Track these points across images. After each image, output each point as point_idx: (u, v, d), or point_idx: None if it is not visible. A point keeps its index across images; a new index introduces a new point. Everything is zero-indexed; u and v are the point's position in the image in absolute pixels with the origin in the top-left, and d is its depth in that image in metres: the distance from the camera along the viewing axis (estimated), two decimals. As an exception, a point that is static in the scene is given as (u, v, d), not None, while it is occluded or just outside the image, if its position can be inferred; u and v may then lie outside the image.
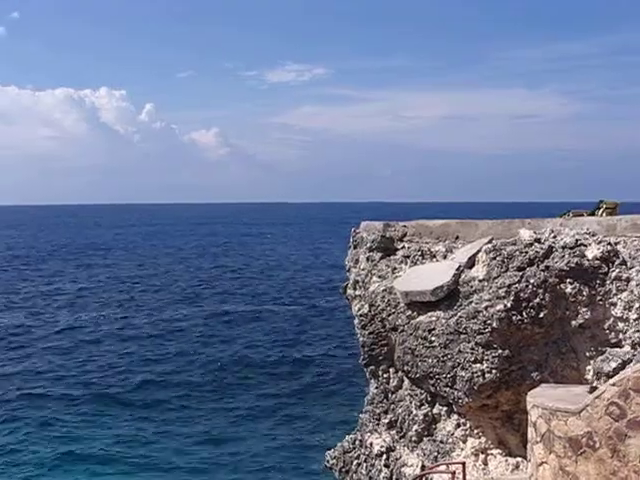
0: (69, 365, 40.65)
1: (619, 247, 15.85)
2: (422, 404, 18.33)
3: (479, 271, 16.72)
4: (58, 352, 43.53)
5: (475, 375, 16.12)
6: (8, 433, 27.85)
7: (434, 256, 18.58)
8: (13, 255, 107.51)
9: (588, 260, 15.79)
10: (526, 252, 16.39)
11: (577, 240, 16.15)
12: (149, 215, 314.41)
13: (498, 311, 15.92)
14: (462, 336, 16.36)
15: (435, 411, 18.04)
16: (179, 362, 40.70)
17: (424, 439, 18.29)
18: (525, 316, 15.91)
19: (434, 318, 17.01)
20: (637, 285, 15.30)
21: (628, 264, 15.54)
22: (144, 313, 55.96)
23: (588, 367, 15.73)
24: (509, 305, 15.92)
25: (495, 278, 16.35)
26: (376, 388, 20.00)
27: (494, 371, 15.94)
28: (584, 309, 15.71)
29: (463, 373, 16.29)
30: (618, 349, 15.42)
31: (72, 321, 57.04)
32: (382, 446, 19.73)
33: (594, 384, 14.57)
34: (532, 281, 16.02)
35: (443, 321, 16.76)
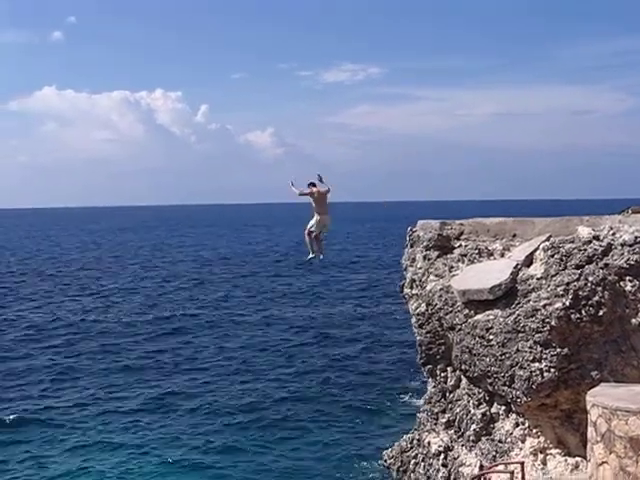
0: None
1: (680, 244, 15.61)
2: (480, 403, 18.24)
3: (537, 269, 16.59)
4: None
5: (534, 374, 15.98)
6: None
7: (491, 254, 18.46)
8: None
9: (648, 257, 15.58)
10: (585, 250, 16.22)
11: (636, 237, 15.94)
12: (215, 216, 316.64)
13: (557, 309, 15.78)
14: (520, 335, 16.23)
15: (493, 410, 17.94)
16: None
17: (482, 438, 18.20)
18: (584, 314, 15.75)
19: (492, 317, 16.91)
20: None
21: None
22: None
23: (649, 366, 15.53)
24: (568, 303, 15.76)
25: (553, 276, 16.20)
26: (434, 387, 19.96)
27: (553, 370, 15.79)
28: (645, 307, 15.51)
29: (521, 372, 16.16)
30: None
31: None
32: (440, 445, 19.68)
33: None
34: (591, 279, 15.85)
35: (501, 320, 16.65)
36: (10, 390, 34.26)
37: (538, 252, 16.75)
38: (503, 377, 16.58)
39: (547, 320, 15.82)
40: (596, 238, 16.37)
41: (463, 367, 17.84)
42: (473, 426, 18.40)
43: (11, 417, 29.69)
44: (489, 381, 17.08)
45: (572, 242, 16.45)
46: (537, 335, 15.94)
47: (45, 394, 33.78)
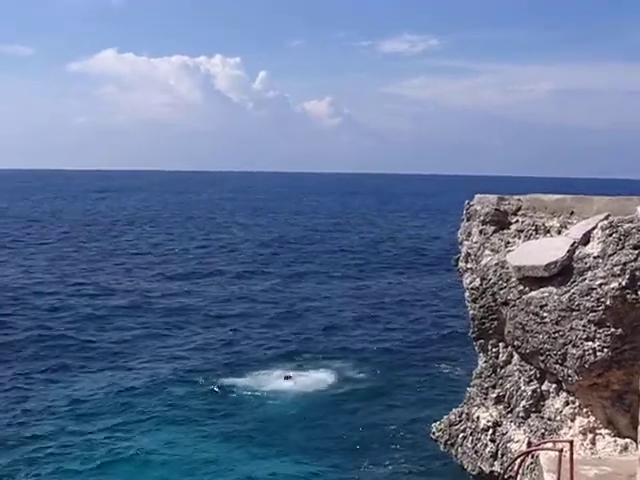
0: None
1: None
2: (531, 380, 18.15)
3: (594, 248, 16.37)
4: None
5: (586, 353, 15.83)
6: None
7: (548, 231, 18.28)
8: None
9: None
10: (644, 230, 15.96)
11: (698, 219, 15.64)
12: (273, 183, 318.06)
13: (612, 289, 15.58)
14: (574, 313, 16.08)
15: (544, 388, 17.84)
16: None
17: (531, 415, 18.13)
18: (640, 295, 15.53)
19: (546, 294, 16.77)
20: None
21: None
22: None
23: None
24: (624, 283, 15.54)
25: (610, 255, 15.98)
26: (485, 362, 19.89)
27: (606, 350, 15.62)
28: (703, 290, 15.24)
29: (574, 350, 16.03)
30: None
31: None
32: (489, 420, 19.65)
33: None
34: (649, 260, 15.61)
35: (555, 297, 16.51)
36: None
37: (596, 231, 16.53)
38: (555, 355, 16.47)
39: (602, 299, 15.64)
40: (656, 218, 16.10)
41: (515, 343, 17.76)
42: (523, 402, 18.33)
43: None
44: (541, 358, 16.98)
45: (631, 222, 16.18)
46: (591, 314, 15.78)
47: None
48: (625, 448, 16.15)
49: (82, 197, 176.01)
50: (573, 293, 16.15)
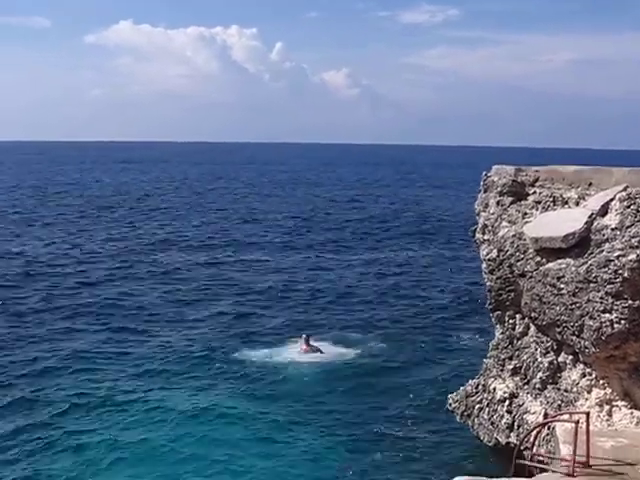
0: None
1: None
2: (548, 352, 18.14)
3: (612, 219, 16.26)
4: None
5: (603, 325, 15.78)
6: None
7: (566, 202, 18.16)
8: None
9: None
10: (662, 201, 15.84)
11: None
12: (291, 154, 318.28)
13: (630, 261, 15.50)
14: (592, 285, 16.01)
15: (560, 359, 17.82)
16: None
17: (548, 387, 18.14)
18: (658, 267, 15.43)
19: (564, 265, 16.70)
20: None
21: None
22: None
23: None
24: (642, 255, 15.46)
25: (628, 227, 15.88)
26: (502, 334, 19.88)
27: (623, 322, 15.57)
28: None
29: (591, 322, 15.98)
30: None
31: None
32: (505, 392, 19.68)
33: None
34: (667, 231, 15.50)
35: (573, 269, 16.43)
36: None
37: (614, 202, 16.40)
38: (572, 326, 16.42)
39: (620, 271, 15.56)
40: (675, 190, 15.97)
41: (532, 315, 17.72)
42: (539, 374, 18.33)
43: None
44: (558, 330, 16.94)
45: (650, 193, 16.08)
46: (609, 286, 15.70)
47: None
48: (641, 420, 16.14)
49: (112, 169, 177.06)
50: (590, 265, 16.07)
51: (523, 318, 18.88)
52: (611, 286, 15.68)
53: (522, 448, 15.30)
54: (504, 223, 19.27)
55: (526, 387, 18.99)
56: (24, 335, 32.99)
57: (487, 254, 19.38)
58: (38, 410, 24.56)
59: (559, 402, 17.66)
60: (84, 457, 21.38)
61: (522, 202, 19.35)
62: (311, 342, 30.56)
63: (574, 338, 16.48)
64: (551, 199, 18.56)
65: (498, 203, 19.81)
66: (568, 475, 13.13)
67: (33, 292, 41.45)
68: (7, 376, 27.79)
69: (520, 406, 19.12)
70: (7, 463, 21.05)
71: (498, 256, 18.78)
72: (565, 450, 13.80)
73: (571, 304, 16.38)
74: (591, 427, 14.00)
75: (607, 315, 15.74)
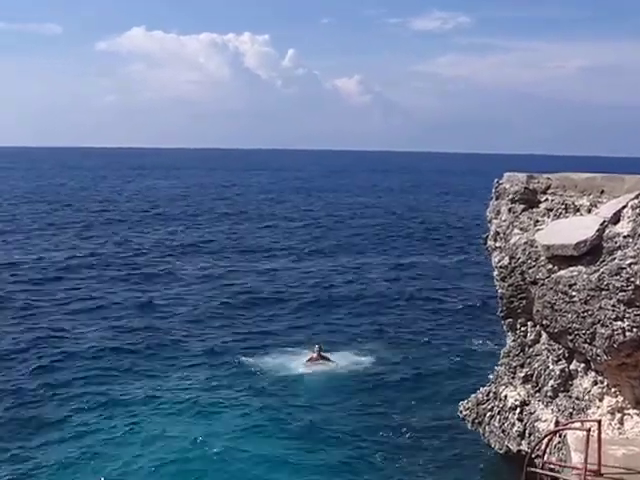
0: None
1: None
2: (559, 359, 18.10)
3: (624, 227, 16.22)
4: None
5: (615, 333, 15.72)
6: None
7: (578, 210, 18.13)
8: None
9: None
10: (675, 209, 15.79)
11: None
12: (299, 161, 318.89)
13: (642, 269, 15.44)
14: (604, 292, 15.95)
15: (572, 367, 17.78)
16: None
17: (559, 395, 18.10)
18: (670, 275, 15.37)
19: (575, 273, 16.66)
20: None
21: None
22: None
23: None
24: (654, 263, 15.41)
25: (641, 235, 15.84)
26: (513, 341, 19.85)
27: (635, 329, 15.50)
28: None
29: (603, 330, 15.93)
30: None
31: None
32: (516, 400, 19.64)
33: None
34: (679, 239, 15.44)
35: (585, 276, 16.39)
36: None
37: (626, 210, 16.37)
38: (584, 334, 16.37)
39: (632, 279, 15.51)
40: (688, 198, 15.92)
41: (544, 322, 17.67)
42: (551, 382, 18.28)
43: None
44: (569, 337, 16.89)
45: (662, 201, 16.03)
46: (621, 294, 15.65)
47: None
48: (653, 428, 16.07)
49: (135, 177, 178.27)
50: (602, 272, 16.03)
51: (535, 326, 18.84)
52: (623, 294, 15.63)
53: (533, 456, 15.22)
54: (516, 230, 19.25)
55: (537, 395, 18.94)
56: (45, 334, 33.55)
57: (499, 261, 19.35)
58: (50, 407, 25.03)
59: (570, 410, 17.62)
60: (86, 457, 21.55)
61: (534, 209, 19.32)
62: (322, 352, 30.50)
63: (586, 346, 16.43)
64: (563, 206, 18.53)
65: (510, 210, 19.79)
66: (579, 483, 13.09)
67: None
68: (18, 374, 28.24)
69: (531, 414, 19.08)
70: (7, 463, 21.22)
71: (510, 263, 18.75)
72: (576, 458, 13.75)
73: (583, 312, 16.33)
74: (602, 435, 13.96)
75: (619, 323, 15.68)
